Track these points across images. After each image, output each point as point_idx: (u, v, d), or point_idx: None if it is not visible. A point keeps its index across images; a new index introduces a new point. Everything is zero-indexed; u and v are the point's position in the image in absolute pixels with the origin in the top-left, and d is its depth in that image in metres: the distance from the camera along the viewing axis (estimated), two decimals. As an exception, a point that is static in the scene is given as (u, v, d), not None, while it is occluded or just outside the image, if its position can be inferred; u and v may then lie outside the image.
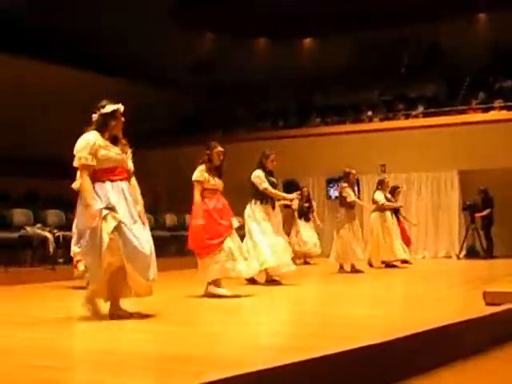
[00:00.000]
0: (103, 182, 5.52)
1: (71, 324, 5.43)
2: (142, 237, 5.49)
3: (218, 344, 4.40)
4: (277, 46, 20.91)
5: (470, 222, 15.62)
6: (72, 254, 8.34)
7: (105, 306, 5.57)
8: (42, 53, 15.98)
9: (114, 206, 5.42)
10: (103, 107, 5.65)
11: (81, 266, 7.94)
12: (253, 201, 9.02)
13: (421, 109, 17.30)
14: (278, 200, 9.50)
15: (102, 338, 4.76)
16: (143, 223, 5.59)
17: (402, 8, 18.05)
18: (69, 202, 7.45)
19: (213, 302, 6.96)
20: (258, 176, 9.02)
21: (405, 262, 13.10)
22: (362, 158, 16.21)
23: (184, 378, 3.31)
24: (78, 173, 5.82)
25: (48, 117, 16.25)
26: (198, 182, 7.49)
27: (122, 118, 5.72)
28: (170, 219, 15.57)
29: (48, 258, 11.25)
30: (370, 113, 17.85)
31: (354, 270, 11.42)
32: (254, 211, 8.98)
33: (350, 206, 11.72)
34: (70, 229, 8.70)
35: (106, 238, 5.32)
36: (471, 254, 15.64)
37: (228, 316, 6.06)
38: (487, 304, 5.66)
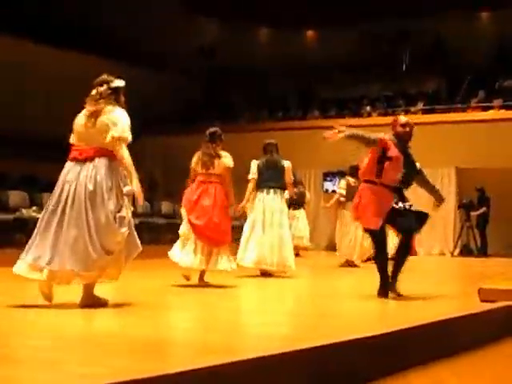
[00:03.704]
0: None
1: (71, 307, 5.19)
2: None
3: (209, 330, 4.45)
4: (279, 35, 20.60)
5: (465, 219, 15.62)
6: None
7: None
8: (45, 37, 15.83)
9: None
10: (111, 81, 5.20)
11: None
12: (280, 192, 8.86)
13: (420, 105, 17.20)
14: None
15: (98, 321, 4.81)
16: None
17: (405, 1, 17.79)
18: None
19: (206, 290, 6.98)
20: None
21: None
22: (359, 153, 15.82)
23: (179, 361, 3.36)
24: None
25: (48, 99, 16.15)
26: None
27: None
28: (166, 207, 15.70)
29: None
30: (368, 108, 17.72)
31: (353, 264, 11.08)
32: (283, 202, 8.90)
33: None
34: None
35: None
36: (465, 251, 15.66)
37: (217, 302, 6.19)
38: (482, 301, 5.64)
